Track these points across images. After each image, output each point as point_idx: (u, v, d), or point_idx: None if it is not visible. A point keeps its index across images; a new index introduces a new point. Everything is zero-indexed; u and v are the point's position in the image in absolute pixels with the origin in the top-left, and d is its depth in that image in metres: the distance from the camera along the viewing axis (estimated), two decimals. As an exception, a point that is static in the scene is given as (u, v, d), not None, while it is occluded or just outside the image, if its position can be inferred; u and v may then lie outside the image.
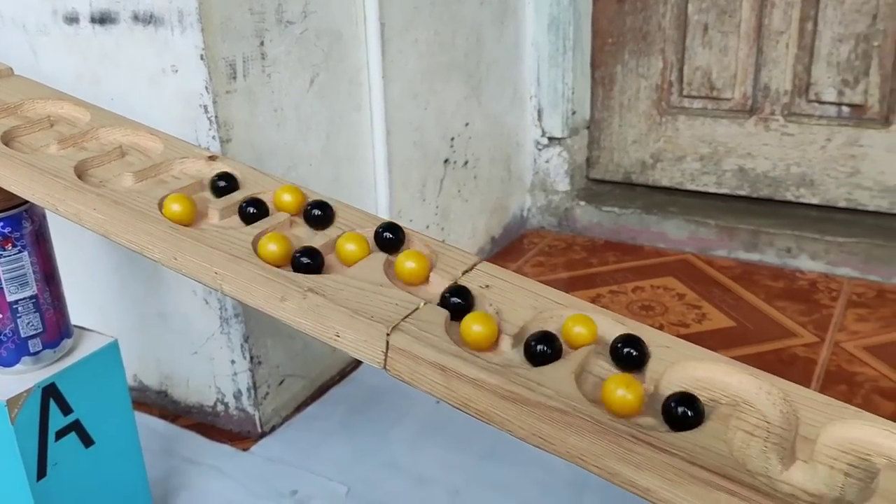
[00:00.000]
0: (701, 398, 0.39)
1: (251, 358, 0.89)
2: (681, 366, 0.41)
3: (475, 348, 0.41)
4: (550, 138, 1.39)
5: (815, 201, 1.30)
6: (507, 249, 1.38)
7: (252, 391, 0.91)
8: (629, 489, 0.37)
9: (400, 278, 0.47)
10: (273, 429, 0.94)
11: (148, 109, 0.81)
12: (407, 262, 0.46)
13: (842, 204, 1.28)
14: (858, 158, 1.25)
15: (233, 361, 0.90)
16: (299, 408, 0.97)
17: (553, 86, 1.35)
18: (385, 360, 0.42)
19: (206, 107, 0.79)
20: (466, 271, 0.47)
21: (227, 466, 0.88)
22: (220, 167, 0.54)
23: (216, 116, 0.79)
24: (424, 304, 0.43)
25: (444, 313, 0.43)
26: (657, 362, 0.42)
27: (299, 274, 0.45)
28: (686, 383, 0.41)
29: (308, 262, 0.45)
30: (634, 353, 0.41)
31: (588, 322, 0.41)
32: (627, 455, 0.36)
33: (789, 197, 1.31)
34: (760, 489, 0.33)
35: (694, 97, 1.34)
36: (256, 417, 0.92)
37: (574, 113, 1.38)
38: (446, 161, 1.18)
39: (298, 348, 0.96)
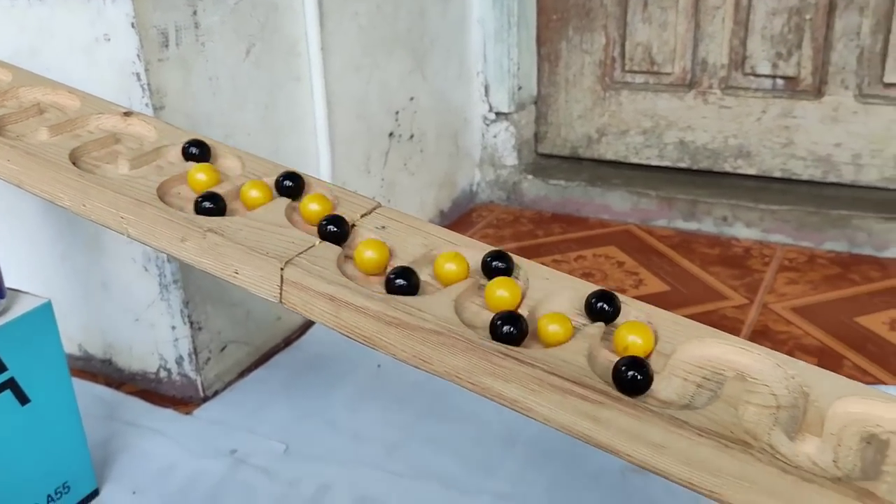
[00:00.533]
0: (574, 322, 0.42)
1: (191, 324, 0.91)
2: (556, 293, 0.44)
3: (369, 273, 0.44)
4: (497, 113, 1.41)
5: (751, 172, 1.34)
6: (456, 223, 1.41)
7: (193, 357, 0.93)
8: (499, 401, 0.40)
9: (306, 221, 0.49)
10: (216, 393, 0.96)
11: (84, 78, 0.83)
12: (310, 205, 0.48)
13: (777, 174, 1.32)
14: (792, 129, 1.29)
15: (173, 327, 0.92)
16: (243, 374, 0.99)
17: (499, 62, 1.38)
18: (280, 293, 0.44)
19: (138, 74, 0.81)
20: (365, 214, 0.49)
21: (168, 429, 0.90)
22: (135, 122, 0.56)
23: (148, 84, 0.81)
24: (320, 242, 0.46)
25: (338, 250, 0.45)
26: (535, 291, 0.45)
27: (201, 216, 0.47)
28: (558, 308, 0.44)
29: (210, 205, 0.47)
30: (607, 309, 0.43)
31: (460, 258, 0.44)
32: (496, 370, 0.39)
33: (727, 168, 1.35)
34: (609, 393, 0.36)
35: (636, 72, 1.37)
36: (199, 382, 0.94)
37: (520, 88, 1.41)
38: (391, 134, 1.21)
39: (241, 315, 0.98)
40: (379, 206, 0.51)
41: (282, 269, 0.44)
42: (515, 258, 0.46)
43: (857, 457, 0.37)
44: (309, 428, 0.90)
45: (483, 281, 0.44)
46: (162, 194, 0.49)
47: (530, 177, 1.43)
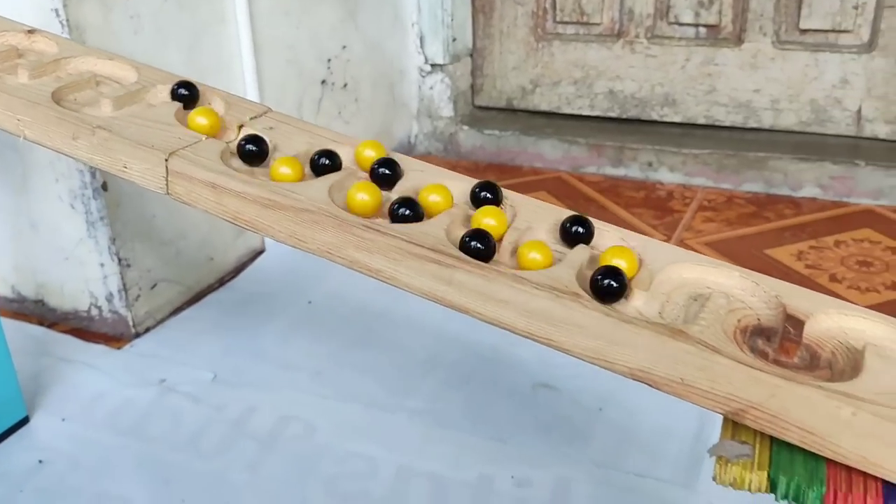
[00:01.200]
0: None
1: (119, 260, 0.93)
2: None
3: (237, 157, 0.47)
4: (433, 65, 1.44)
5: (677, 119, 1.38)
6: (394, 173, 1.44)
7: (123, 293, 0.95)
8: (366, 272, 0.43)
9: (193, 130, 0.52)
10: (147, 330, 0.98)
11: (2, 13, 0.84)
12: (198, 118, 0.51)
13: (701, 121, 1.37)
14: (714, 77, 1.33)
15: (102, 265, 0.94)
16: (175, 312, 1.02)
17: (433, 13, 1.40)
18: (166, 184, 0.47)
19: (56, 10, 0.82)
20: (254, 117, 0.52)
21: (98, 362, 0.92)
22: (39, 40, 0.58)
23: (67, 20, 0.82)
24: (206, 138, 0.49)
25: (222, 145, 0.48)
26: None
27: (90, 115, 0.49)
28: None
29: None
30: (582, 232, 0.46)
31: (444, 190, 0.46)
32: (361, 242, 0.43)
33: (654, 116, 1.40)
34: (460, 258, 0.40)
35: (567, 23, 1.41)
36: (129, 319, 0.96)
37: (455, 40, 1.44)
38: (323, 82, 1.23)
39: (170, 254, 1.00)
40: (269, 111, 0.53)
41: (166, 160, 0.47)
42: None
43: (682, 311, 0.42)
44: (238, 359, 0.92)
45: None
46: (58, 99, 0.51)
47: (466, 128, 1.46)
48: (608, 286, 0.41)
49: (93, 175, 0.89)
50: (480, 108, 1.52)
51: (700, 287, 0.44)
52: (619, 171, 1.35)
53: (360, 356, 0.93)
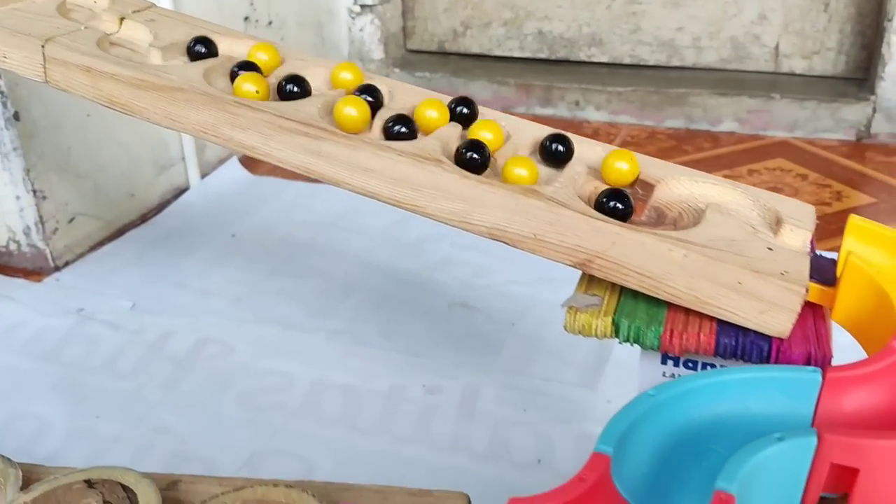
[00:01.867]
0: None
1: (35, 192, 0.92)
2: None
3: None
4: (362, 6, 1.43)
5: (604, 59, 1.41)
6: (325, 117, 1.44)
7: (40, 226, 0.94)
8: (240, 150, 0.44)
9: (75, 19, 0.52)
10: (67, 264, 0.98)
11: None
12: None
13: (627, 60, 1.39)
14: (639, 16, 1.35)
15: (17, 197, 0.93)
16: (95, 247, 1.01)
17: (361, -46, 1.39)
18: (44, 71, 0.47)
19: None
20: (137, 11, 0.52)
21: (17, 294, 0.91)
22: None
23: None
24: (85, 27, 0.49)
25: (100, 32, 0.49)
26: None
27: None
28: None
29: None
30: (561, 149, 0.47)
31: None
32: (234, 120, 0.44)
33: (582, 57, 1.42)
34: (327, 129, 0.41)
35: (495, -36, 1.41)
36: (48, 253, 0.95)
37: (384, -18, 1.43)
38: (246, 19, 1.22)
39: (88, 188, 1.00)
40: (153, 6, 0.54)
41: (43, 46, 0.47)
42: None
43: (543, 179, 0.44)
44: (157, 288, 0.93)
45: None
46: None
47: (397, 70, 1.46)
48: (471, 158, 0.42)
49: (3, 105, 0.88)
50: (412, 51, 1.53)
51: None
52: (548, 111, 1.37)
53: (280, 283, 0.94)
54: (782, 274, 0.37)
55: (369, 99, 0.46)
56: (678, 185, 0.44)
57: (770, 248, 0.39)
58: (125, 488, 0.34)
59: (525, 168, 0.43)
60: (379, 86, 0.48)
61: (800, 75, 1.33)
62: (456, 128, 0.46)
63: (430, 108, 0.46)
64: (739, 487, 0.30)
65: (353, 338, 0.84)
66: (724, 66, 1.35)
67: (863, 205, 1.08)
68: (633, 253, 0.38)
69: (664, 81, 1.34)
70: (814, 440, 0.31)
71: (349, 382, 0.77)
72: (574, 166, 0.44)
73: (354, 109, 0.44)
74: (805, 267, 0.38)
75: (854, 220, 0.40)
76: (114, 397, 0.76)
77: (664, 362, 0.41)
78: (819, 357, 0.36)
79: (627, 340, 0.39)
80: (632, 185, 0.44)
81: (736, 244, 0.39)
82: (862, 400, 0.33)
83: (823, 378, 0.34)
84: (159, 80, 0.45)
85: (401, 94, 0.49)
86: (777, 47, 1.32)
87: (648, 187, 0.44)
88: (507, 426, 0.72)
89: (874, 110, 1.23)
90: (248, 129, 0.44)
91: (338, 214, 1.10)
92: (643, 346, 0.39)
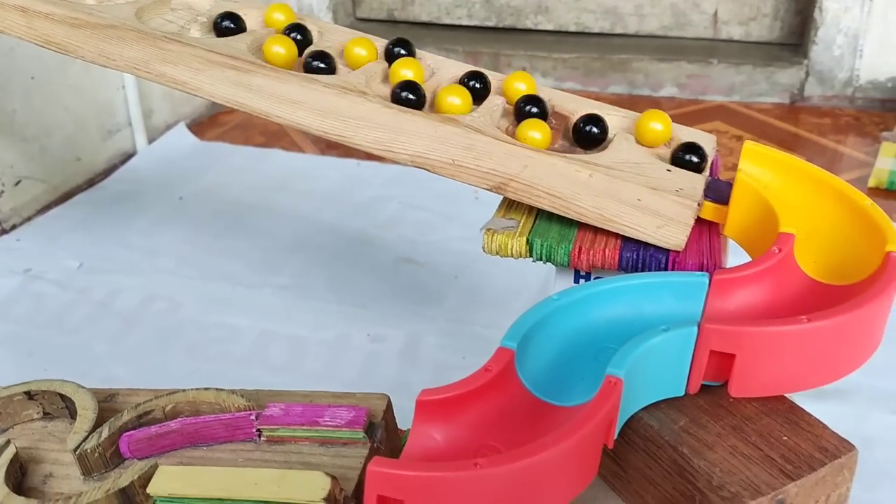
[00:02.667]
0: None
1: (-22, 154, 0.92)
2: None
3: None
4: (310, -24, 1.44)
5: (550, 27, 1.43)
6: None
7: (-15, 189, 0.94)
8: (174, 86, 0.46)
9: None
10: (14, 227, 0.98)
11: None
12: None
13: (572, 28, 1.42)
14: (583, -16, 1.38)
15: (-40, 159, 0.93)
16: (42, 210, 1.01)
17: (307, -78, 1.40)
18: (-24, 14, 0.48)
19: None
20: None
21: (-38, 256, 0.91)
22: None
23: None
24: (17, -28, 0.50)
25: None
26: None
27: None
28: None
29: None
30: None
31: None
32: (166, 55, 0.45)
33: (529, 24, 1.44)
34: (255, 62, 0.43)
35: (441, -67, 1.43)
36: (-6, 215, 0.95)
37: (332, -49, 1.44)
38: (192, -15, 1.22)
39: (34, 151, 1.00)
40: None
41: (-25, -12, 0.48)
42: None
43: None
44: (104, 249, 0.94)
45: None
46: None
47: (346, 39, 1.47)
48: (406, 98, 0.44)
49: (-58, 66, 0.88)
50: (361, 19, 1.53)
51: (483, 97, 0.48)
52: (494, 78, 1.40)
53: (227, 243, 0.95)
54: (677, 191, 0.40)
55: (298, 37, 0.48)
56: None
57: (669, 170, 0.42)
58: (64, 398, 0.36)
59: (458, 97, 0.45)
60: (309, 26, 0.50)
61: (737, 41, 1.37)
62: (381, 63, 0.48)
63: (359, 46, 0.48)
64: (627, 373, 0.33)
65: (300, 292, 0.86)
66: (666, 32, 1.39)
67: (793, 163, 1.13)
68: (543, 175, 0.41)
69: (608, 48, 1.37)
70: (694, 329, 0.34)
71: (296, 333, 0.79)
72: (493, 100, 0.47)
73: (282, 48, 0.45)
74: (699, 185, 0.41)
75: (748, 145, 0.43)
76: (61, 351, 0.77)
77: (577, 280, 0.44)
78: (711, 267, 0.40)
79: (540, 259, 0.42)
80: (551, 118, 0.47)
81: (638, 166, 0.42)
82: (745, 299, 0.37)
83: (710, 281, 0.37)
84: (92, 18, 0.46)
85: (330, 34, 0.51)
86: (715, 14, 1.35)
87: (563, 119, 0.47)
88: (447, 371, 0.75)
89: (807, 74, 1.28)
90: (178, 65, 0.45)
91: (287, 178, 1.11)
92: (555, 263, 0.42)
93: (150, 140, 1.17)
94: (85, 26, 0.46)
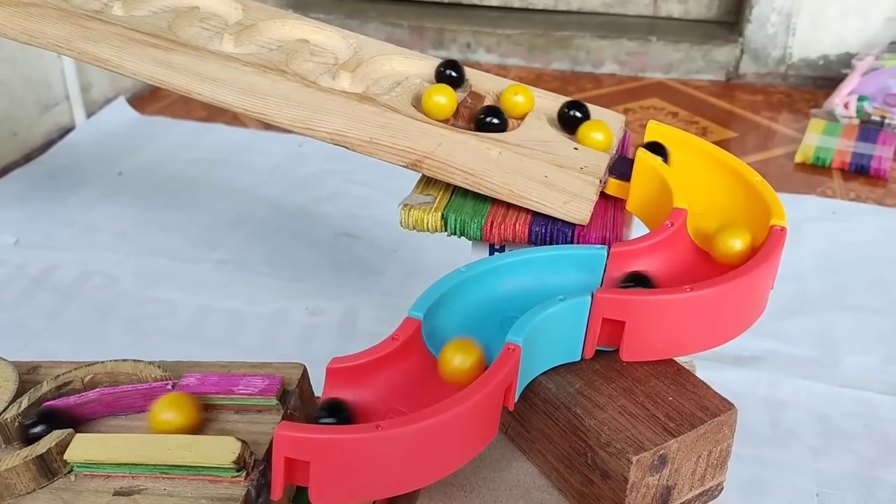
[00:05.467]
0: None
1: None
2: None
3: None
4: (253, -52, 1.42)
5: (494, 3, 1.44)
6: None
7: (-84, 164, 0.92)
8: (95, 63, 0.46)
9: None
10: (-53, 203, 0.96)
11: None
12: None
13: (516, 4, 1.44)
14: (526, -40, 1.39)
15: None
16: (-23, 186, 1.00)
17: None
18: None
19: None
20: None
21: None
22: None
23: None
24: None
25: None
26: None
27: None
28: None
29: None
30: None
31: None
32: (87, 33, 0.45)
33: (474, 0, 1.45)
34: (176, 40, 0.44)
35: None
36: (-75, 191, 0.94)
37: (274, -78, 1.42)
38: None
39: (-33, 126, 0.98)
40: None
41: None
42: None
43: (385, 91, 0.47)
44: (41, 225, 0.93)
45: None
46: None
47: (291, 10, 1.46)
48: (490, 122, 0.44)
49: None
50: (306, -6, 1.53)
51: (403, 76, 0.49)
52: (440, 53, 1.40)
53: (167, 218, 0.95)
54: (581, 168, 0.42)
55: (217, 14, 0.49)
56: (506, 97, 0.49)
57: (576, 149, 0.44)
58: (-17, 371, 0.37)
59: (443, 95, 0.45)
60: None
61: (676, 19, 1.40)
62: (304, 43, 0.49)
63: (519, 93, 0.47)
64: (526, 340, 0.35)
65: (239, 267, 0.87)
66: (607, 10, 1.41)
67: (727, 139, 1.17)
68: (456, 152, 0.43)
69: (551, 24, 1.39)
70: (588, 299, 0.36)
71: (233, 307, 0.80)
72: (413, 80, 0.48)
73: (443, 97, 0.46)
74: (603, 163, 0.43)
75: (651, 125, 0.46)
76: (-4, 327, 0.77)
77: (491, 254, 0.46)
78: (613, 240, 0.42)
79: (455, 233, 0.44)
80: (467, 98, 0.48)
81: (546, 144, 0.43)
82: (641, 269, 0.39)
83: (608, 253, 0.39)
84: (12, -6, 0.46)
85: (252, 12, 0.52)
86: (656, -8, 1.38)
87: (479, 98, 0.48)
88: (384, 342, 0.77)
89: (742, 52, 1.32)
90: (100, 42, 0.46)
91: (228, 152, 1.11)
92: (468, 237, 0.44)
93: (89, 114, 1.16)
94: (7, 4, 0.46)
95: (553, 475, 0.38)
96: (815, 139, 1.12)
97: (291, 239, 0.92)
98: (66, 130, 1.13)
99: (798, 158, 1.09)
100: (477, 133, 0.43)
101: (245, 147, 1.13)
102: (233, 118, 1.22)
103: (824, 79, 1.31)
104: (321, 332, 0.78)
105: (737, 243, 0.37)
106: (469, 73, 0.51)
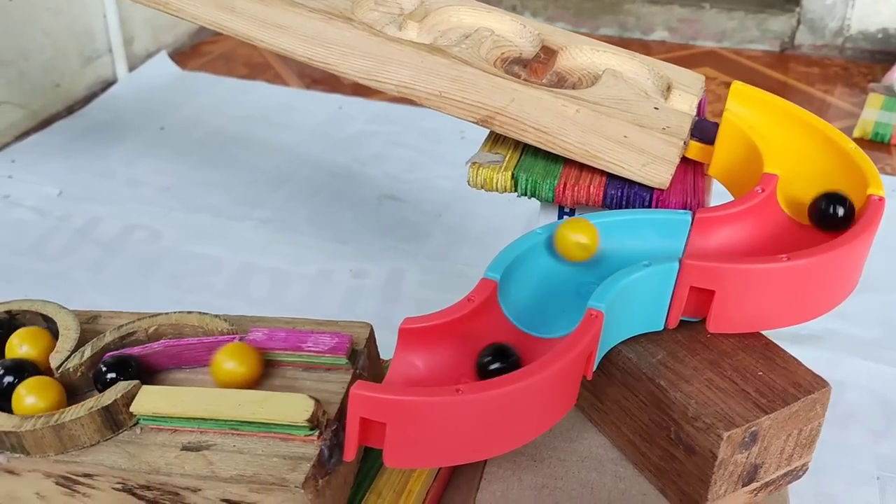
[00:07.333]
0: None
1: (-47, 76, 0.90)
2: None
3: None
4: None
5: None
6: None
7: (-39, 112, 0.92)
8: (156, 6, 0.44)
9: None
10: (-9, 153, 0.96)
11: None
12: None
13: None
14: (577, -80, 1.35)
15: (-66, 81, 0.90)
16: (20, 137, 1.00)
17: None
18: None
19: None
20: None
21: (-62, 181, 0.90)
22: None
23: None
24: None
25: None
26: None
27: None
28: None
29: None
30: None
31: None
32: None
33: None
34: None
35: None
36: (-30, 140, 0.94)
37: None
38: None
39: (13, 76, 0.97)
40: None
41: None
42: None
43: (452, 42, 0.45)
44: (84, 177, 0.92)
45: None
46: None
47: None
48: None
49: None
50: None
51: (473, 29, 0.47)
52: (484, 15, 1.37)
53: (209, 174, 0.94)
54: (664, 129, 0.40)
55: None
56: (580, 52, 0.46)
57: (656, 108, 0.42)
58: (46, 319, 0.36)
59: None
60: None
61: (731, -14, 1.35)
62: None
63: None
64: (608, 306, 0.33)
65: (282, 226, 0.85)
66: (659, -25, 1.36)
67: (780, 112, 1.13)
68: (530, 109, 0.41)
69: (600, -11, 1.35)
70: (676, 265, 0.34)
71: (277, 266, 0.79)
72: (482, 33, 0.46)
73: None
74: (686, 124, 0.41)
75: (736, 85, 0.43)
76: (41, 278, 0.76)
77: (560, 216, 0.44)
78: (694, 206, 0.40)
79: (525, 193, 0.42)
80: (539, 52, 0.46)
81: (625, 103, 0.41)
82: (727, 237, 0.37)
83: (693, 219, 0.37)
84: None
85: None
86: (710, -43, 1.33)
87: (551, 53, 0.46)
88: (429, 307, 0.75)
89: (798, 22, 1.27)
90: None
91: (269, 110, 1.10)
92: (539, 198, 0.42)
93: (131, 68, 1.15)
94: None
95: (627, 448, 0.36)
96: (873, 114, 1.07)
97: (334, 200, 0.91)
98: (109, 83, 1.12)
99: (856, 133, 1.05)
100: (552, 89, 0.41)
101: (286, 106, 1.11)
102: (274, 76, 1.20)
103: (883, 53, 1.26)
104: (365, 295, 0.77)
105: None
106: (540, 27, 0.48)
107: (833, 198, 0.36)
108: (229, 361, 0.32)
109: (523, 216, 0.87)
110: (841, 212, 0.35)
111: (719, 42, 1.30)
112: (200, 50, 1.27)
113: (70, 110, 1.06)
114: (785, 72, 1.25)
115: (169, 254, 0.80)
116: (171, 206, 0.87)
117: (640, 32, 1.32)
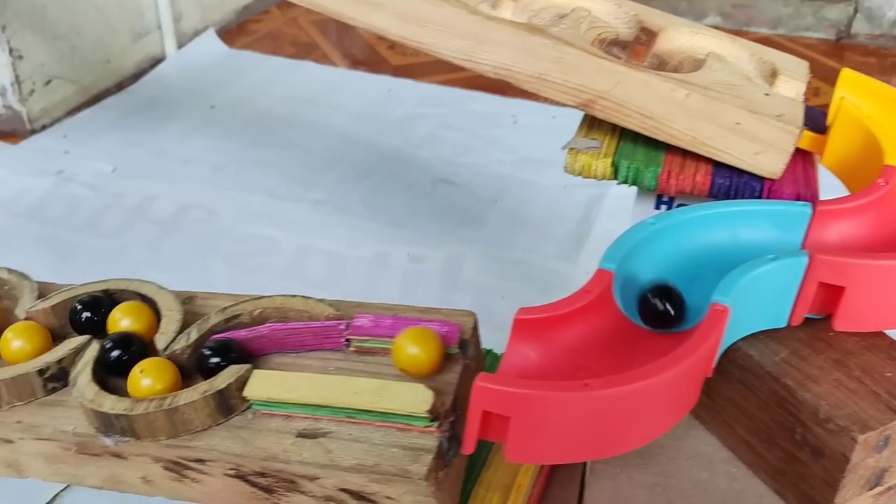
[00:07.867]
0: None
1: (10, 50, 0.89)
2: None
3: None
4: None
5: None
6: None
7: (17, 86, 0.92)
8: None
9: None
10: (44, 128, 0.96)
11: None
12: None
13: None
14: None
15: (-10, 54, 0.90)
16: (72, 112, 0.99)
17: None
18: None
19: None
20: None
21: (-7, 155, 0.90)
22: None
23: None
24: None
25: None
26: None
27: None
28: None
29: None
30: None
31: None
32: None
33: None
34: None
35: None
36: (24, 114, 0.93)
37: None
38: None
39: (66, 50, 0.97)
40: None
41: None
42: None
43: (547, 22, 0.44)
44: (137, 154, 0.92)
45: None
46: None
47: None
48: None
49: (-28, -45, 0.85)
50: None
51: (568, 8, 0.46)
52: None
53: (262, 154, 0.93)
54: (778, 116, 0.38)
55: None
56: (679, 35, 0.45)
57: (767, 94, 0.40)
58: (144, 298, 0.35)
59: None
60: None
61: (786, -28, 1.32)
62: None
63: None
64: (733, 301, 0.32)
65: (336, 208, 0.85)
66: (712, -41, 1.33)
67: (838, 102, 1.10)
68: (636, 93, 0.39)
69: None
70: (805, 259, 0.33)
71: (333, 249, 0.78)
72: (579, 13, 0.44)
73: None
74: (800, 111, 0.40)
75: (846, 73, 0.41)
76: (99, 255, 0.76)
77: (658, 207, 0.43)
78: (807, 197, 0.38)
79: (626, 181, 0.41)
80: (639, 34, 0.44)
81: (735, 88, 0.40)
82: (847, 232, 0.35)
83: (813, 211, 0.36)
84: None
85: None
86: (766, -58, 1.30)
87: (651, 35, 0.44)
88: (489, 294, 0.74)
89: (855, 10, 1.24)
90: None
91: (317, 91, 1.09)
92: (641, 186, 0.41)
93: (180, 45, 1.14)
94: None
95: (741, 448, 0.35)
96: (936, 106, 1.05)
97: (387, 182, 0.90)
98: (157, 60, 1.12)
99: (918, 125, 1.03)
100: (659, 72, 0.39)
101: (334, 87, 1.10)
102: (321, 56, 1.19)
103: (942, 43, 1.23)
104: (424, 280, 0.76)
105: None
106: (636, 7, 0.47)
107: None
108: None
109: (579, 203, 0.86)
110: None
111: (774, 29, 1.27)
112: (247, 28, 1.27)
113: (119, 87, 1.06)
114: (840, 61, 1.21)
115: (226, 234, 0.79)
116: (225, 186, 0.87)
117: (692, 17, 1.29)
